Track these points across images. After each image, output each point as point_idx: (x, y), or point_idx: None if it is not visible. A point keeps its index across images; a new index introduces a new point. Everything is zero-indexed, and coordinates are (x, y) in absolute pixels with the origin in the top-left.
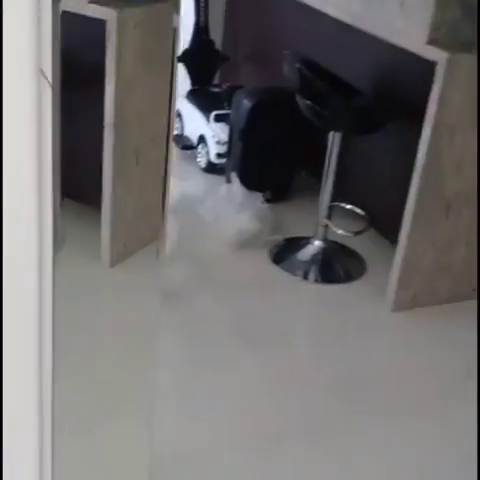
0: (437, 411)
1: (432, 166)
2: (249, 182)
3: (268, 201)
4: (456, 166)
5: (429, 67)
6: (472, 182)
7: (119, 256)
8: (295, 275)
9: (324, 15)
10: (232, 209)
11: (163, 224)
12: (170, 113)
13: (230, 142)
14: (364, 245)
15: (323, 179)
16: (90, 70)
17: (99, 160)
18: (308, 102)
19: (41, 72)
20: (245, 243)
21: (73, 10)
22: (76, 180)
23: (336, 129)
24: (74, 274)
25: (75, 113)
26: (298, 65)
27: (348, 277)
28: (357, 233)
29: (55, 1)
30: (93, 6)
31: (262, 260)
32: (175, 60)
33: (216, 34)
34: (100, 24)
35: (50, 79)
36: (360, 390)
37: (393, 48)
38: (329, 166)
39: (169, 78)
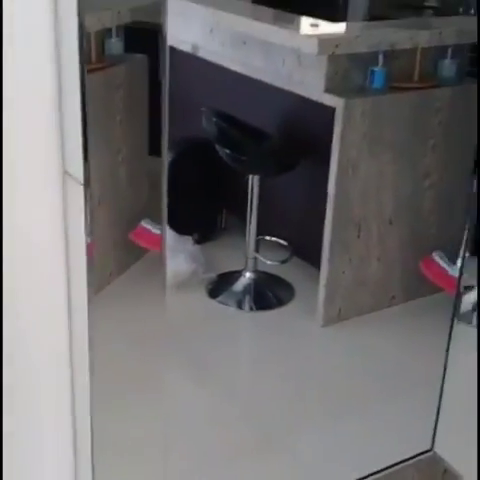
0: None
1: (341, 195)
2: (178, 227)
3: (198, 242)
4: (361, 193)
5: (329, 111)
6: (376, 205)
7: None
8: (232, 306)
9: (233, 72)
10: (167, 254)
11: None
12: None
13: None
14: (291, 272)
15: (248, 216)
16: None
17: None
18: (227, 150)
19: (67, 173)
20: (182, 283)
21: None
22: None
23: (253, 172)
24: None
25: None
26: (214, 119)
27: (280, 302)
28: (283, 262)
29: (83, 110)
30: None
31: (199, 296)
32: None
33: None
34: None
35: (81, 179)
36: (301, 399)
37: (297, 96)
38: (252, 204)
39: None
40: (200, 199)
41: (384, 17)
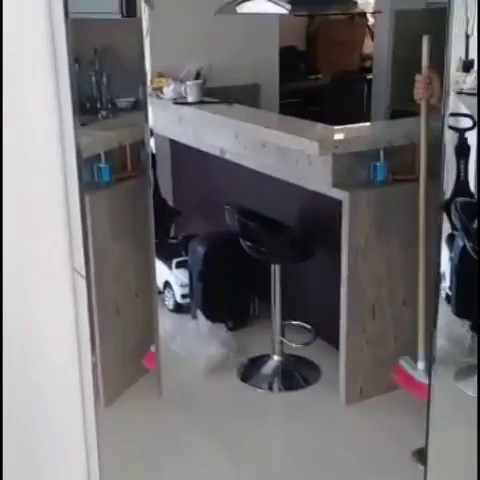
0: None
1: (353, 279)
2: (212, 315)
3: (231, 329)
4: (373, 276)
5: (338, 203)
6: (389, 287)
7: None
8: (262, 388)
9: (254, 171)
10: (201, 341)
11: None
12: None
13: (191, 283)
14: (317, 353)
15: (272, 302)
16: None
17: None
18: (249, 243)
19: (75, 270)
20: (215, 368)
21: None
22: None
23: (274, 262)
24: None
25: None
26: (237, 216)
27: (307, 382)
28: (306, 344)
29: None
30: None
31: (231, 380)
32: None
33: (167, 193)
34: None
35: (83, 273)
36: (324, 475)
37: (310, 191)
38: (275, 292)
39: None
40: (233, 288)
41: (405, 111)
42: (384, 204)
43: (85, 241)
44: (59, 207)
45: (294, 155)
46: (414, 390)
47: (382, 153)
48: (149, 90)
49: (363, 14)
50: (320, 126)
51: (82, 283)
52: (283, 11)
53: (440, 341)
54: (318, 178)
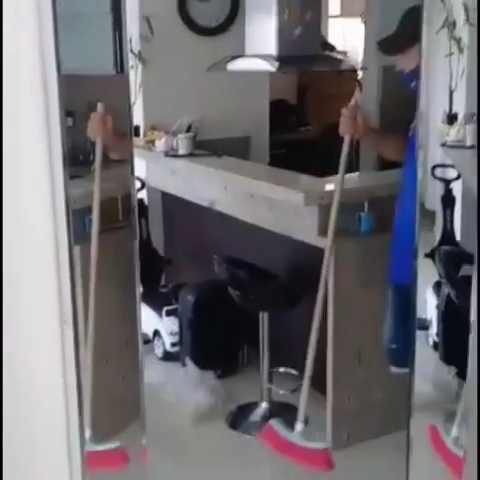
0: None
1: (339, 325)
2: (201, 363)
3: (220, 377)
4: (358, 323)
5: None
6: (374, 333)
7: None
8: (250, 435)
9: (242, 221)
10: (189, 388)
11: None
12: None
13: (181, 332)
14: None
15: (260, 349)
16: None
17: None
18: (237, 292)
19: (65, 323)
20: (203, 415)
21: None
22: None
23: (262, 309)
24: None
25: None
26: (225, 265)
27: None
28: (293, 391)
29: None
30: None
31: (220, 427)
32: None
33: (158, 243)
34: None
35: (70, 324)
36: None
37: (296, 241)
38: (263, 339)
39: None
40: (222, 336)
41: (392, 161)
42: (369, 253)
43: (73, 291)
44: (49, 257)
45: (281, 205)
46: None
47: (366, 204)
48: (142, 143)
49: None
50: (306, 177)
51: (70, 334)
52: (271, 68)
53: (426, 387)
54: (304, 228)
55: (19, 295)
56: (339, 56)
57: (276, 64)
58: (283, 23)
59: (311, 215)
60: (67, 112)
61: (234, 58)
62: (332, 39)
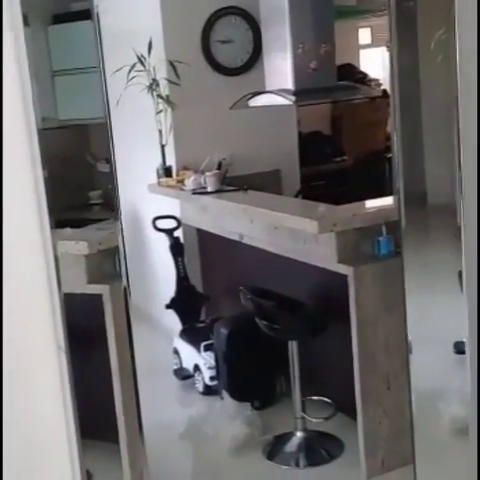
0: None
1: (365, 350)
2: (237, 395)
3: (257, 408)
4: (384, 347)
5: (345, 278)
6: (401, 357)
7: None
8: (288, 465)
9: (268, 251)
10: (226, 421)
11: None
12: None
13: (217, 365)
14: (340, 427)
15: (291, 378)
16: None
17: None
18: (264, 322)
19: (60, 348)
20: (240, 447)
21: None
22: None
23: (289, 338)
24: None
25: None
26: (249, 296)
27: (331, 456)
28: (327, 418)
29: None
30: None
31: (257, 459)
32: None
33: (196, 280)
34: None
35: (63, 347)
36: None
37: (319, 268)
38: (293, 368)
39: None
40: (257, 368)
41: None
42: (389, 276)
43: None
44: (44, 303)
45: (302, 235)
46: None
47: (384, 228)
48: (174, 182)
49: (384, 94)
50: (323, 206)
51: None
52: (288, 102)
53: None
54: (325, 255)
55: (17, 328)
56: (372, 84)
57: (293, 98)
58: (298, 57)
59: (330, 242)
60: None
61: (255, 95)
62: (365, 67)
